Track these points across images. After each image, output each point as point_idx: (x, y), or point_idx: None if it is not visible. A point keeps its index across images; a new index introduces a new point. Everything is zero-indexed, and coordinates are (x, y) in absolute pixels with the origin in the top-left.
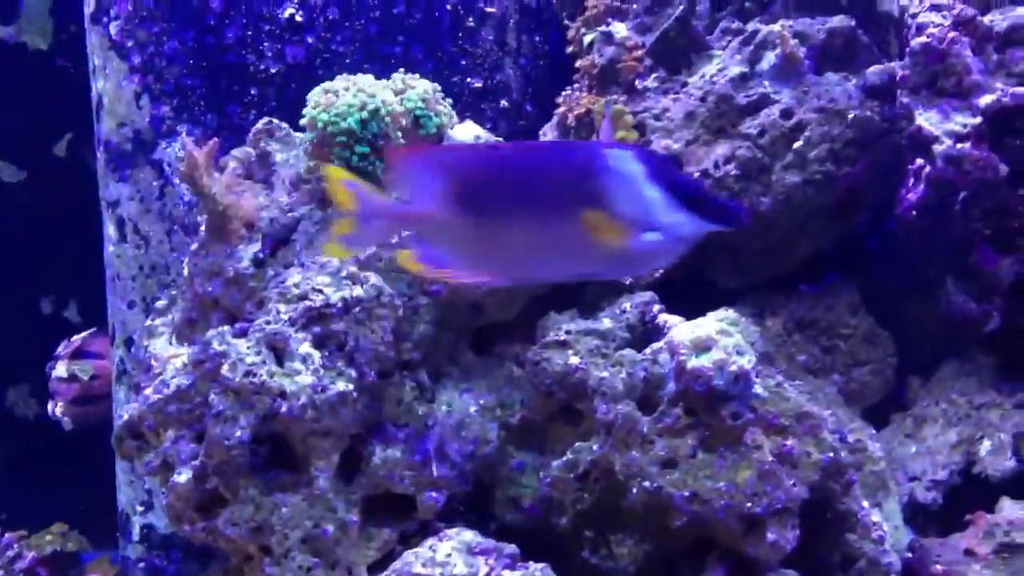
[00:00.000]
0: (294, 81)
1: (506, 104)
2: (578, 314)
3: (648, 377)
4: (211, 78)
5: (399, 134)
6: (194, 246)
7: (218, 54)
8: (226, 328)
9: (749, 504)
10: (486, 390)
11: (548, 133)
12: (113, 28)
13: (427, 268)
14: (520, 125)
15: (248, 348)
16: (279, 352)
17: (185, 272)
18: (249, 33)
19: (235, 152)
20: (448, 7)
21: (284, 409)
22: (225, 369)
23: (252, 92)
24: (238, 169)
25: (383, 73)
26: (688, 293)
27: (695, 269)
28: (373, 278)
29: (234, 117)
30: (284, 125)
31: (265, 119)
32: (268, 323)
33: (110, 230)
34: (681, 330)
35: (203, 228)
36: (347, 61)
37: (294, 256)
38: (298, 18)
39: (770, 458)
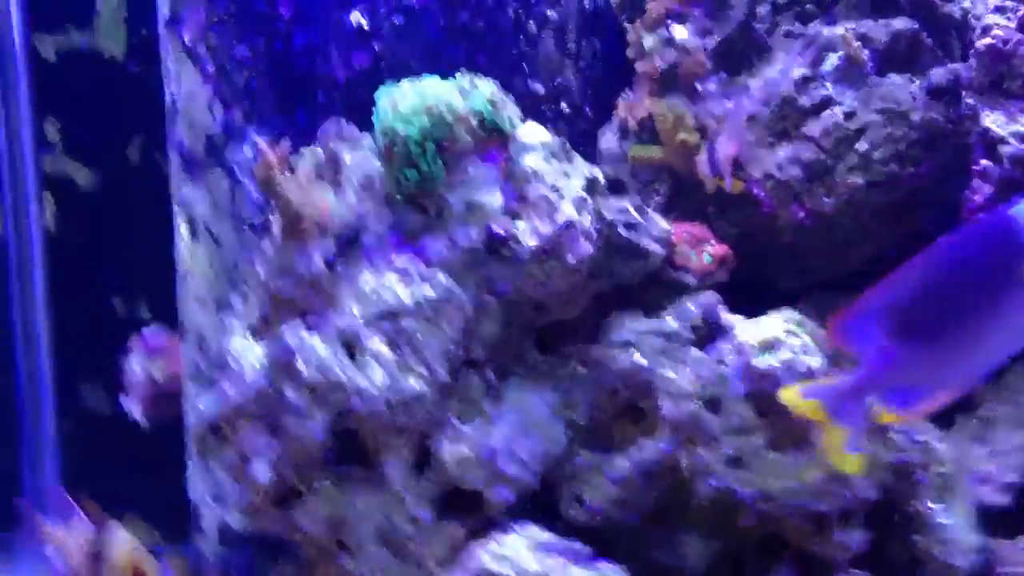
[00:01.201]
0: (360, 86)
1: (566, 107)
2: (642, 314)
3: (714, 376)
4: (280, 83)
5: (467, 136)
6: (267, 245)
7: (287, 60)
8: (300, 326)
9: (818, 503)
10: (551, 389)
11: (608, 135)
12: (187, 35)
13: (905, 412)
14: (580, 128)
15: (323, 346)
16: (352, 350)
17: (257, 271)
18: (317, 40)
19: (305, 153)
20: (510, 13)
21: (358, 406)
22: (301, 366)
23: (320, 97)
24: (309, 170)
25: (447, 78)
26: (748, 293)
27: (755, 269)
28: (443, 278)
29: (302, 121)
30: (353, 128)
31: (334, 120)
32: (342, 321)
33: (182, 230)
34: (747, 329)
35: (276, 228)
36: (412, 67)
37: (364, 256)
38: (364, 25)
39: None
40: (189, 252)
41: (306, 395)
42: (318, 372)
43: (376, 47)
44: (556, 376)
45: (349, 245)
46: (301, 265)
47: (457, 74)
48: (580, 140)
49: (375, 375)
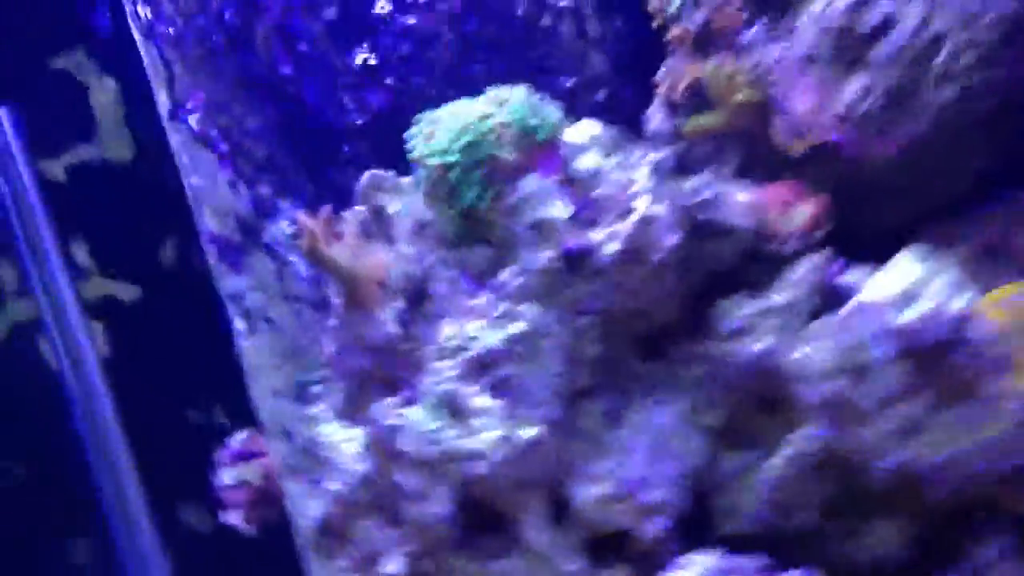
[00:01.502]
0: (383, 126)
1: (601, 97)
2: (748, 296)
3: (851, 344)
4: (300, 145)
5: (512, 151)
6: (331, 320)
7: (301, 119)
8: (391, 399)
9: (1010, 459)
10: (673, 398)
11: (654, 116)
12: (193, 121)
13: None
14: (623, 116)
15: (422, 414)
16: (454, 411)
17: (328, 349)
18: (327, 90)
19: (347, 215)
20: (520, 12)
21: (477, 471)
22: (405, 443)
23: (345, 149)
24: (356, 231)
25: (472, 95)
26: (855, 245)
27: (854, 219)
28: (527, 310)
29: (333, 179)
30: (389, 174)
31: (368, 173)
32: (434, 384)
33: (238, 324)
34: (875, 283)
35: (336, 300)
36: (431, 93)
37: (437, 307)
38: (372, 62)
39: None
40: (252, 345)
41: (419, 473)
42: (425, 445)
43: (390, 81)
44: (673, 384)
45: (418, 300)
46: (373, 333)
47: (486, 90)
48: (625, 128)
49: (486, 433)
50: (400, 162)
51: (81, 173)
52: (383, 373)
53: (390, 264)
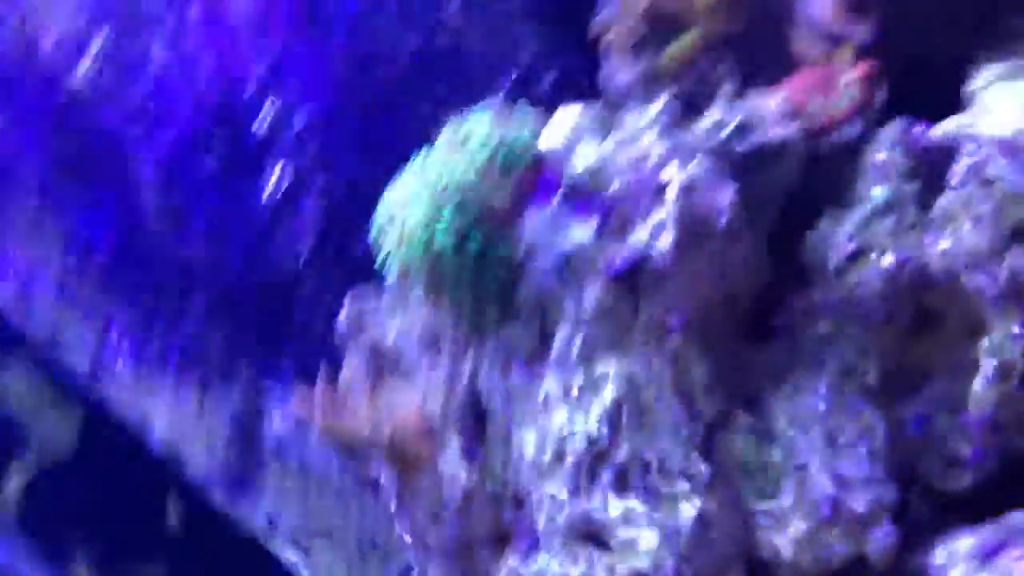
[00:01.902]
0: (330, 257)
1: (553, 77)
2: (837, 209)
3: (1001, 202)
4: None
5: (500, 192)
6: (393, 507)
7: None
8: (510, 559)
9: None
10: (814, 372)
11: (617, 68)
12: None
13: None
14: (585, 85)
15: (555, 561)
16: (589, 534)
17: (405, 536)
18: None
19: (344, 371)
20: (419, 32)
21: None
22: None
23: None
24: (360, 385)
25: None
26: (913, 95)
27: (919, 52)
28: (606, 366)
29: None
30: (365, 294)
31: (346, 309)
32: (550, 514)
33: (290, 555)
34: (985, 125)
35: (385, 476)
36: (363, 176)
37: (501, 416)
38: (284, 184)
39: None
40: (318, 571)
41: None
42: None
43: (322, 203)
44: (805, 356)
45: (477, 424)
46: (446, 491)
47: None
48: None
49: (644, 541)
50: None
51: None
52: (483, 530)
53: (422, 399)
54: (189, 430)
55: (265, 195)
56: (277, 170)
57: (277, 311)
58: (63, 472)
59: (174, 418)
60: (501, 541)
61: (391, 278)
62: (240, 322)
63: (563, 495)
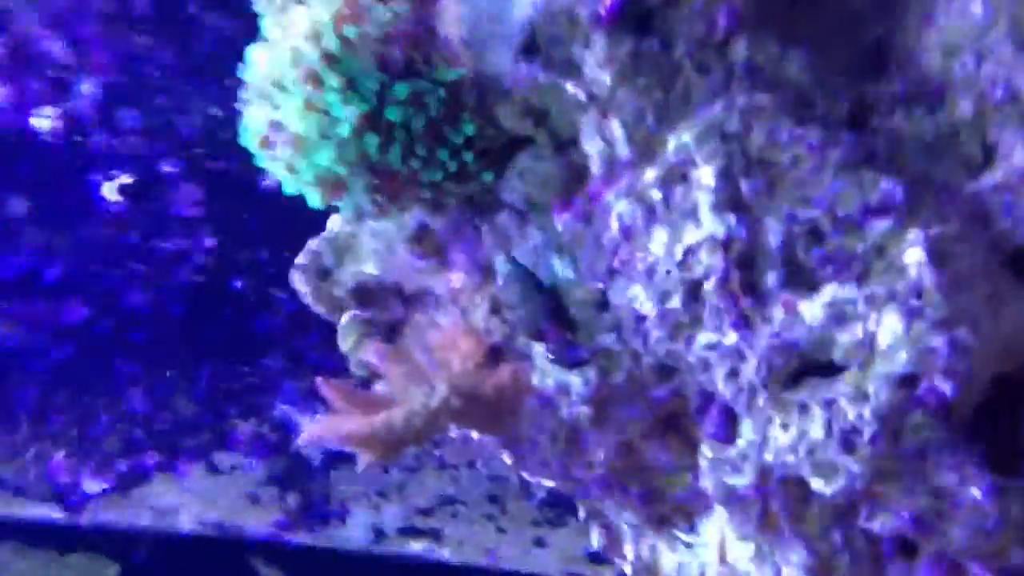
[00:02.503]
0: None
1: None
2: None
3: None
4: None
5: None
6: (509, 460)
7: None
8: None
9: None
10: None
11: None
12: None
13: None
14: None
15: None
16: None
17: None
18: None
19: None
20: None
21: None
22: None
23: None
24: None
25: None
26: None
27: None
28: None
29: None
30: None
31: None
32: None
33: None
34: None
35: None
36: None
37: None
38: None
39: None
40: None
41: None
42: None
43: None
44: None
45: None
46: (566, 417)
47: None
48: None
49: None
50: None
51: None
52: (638, 425)
53: (483, 320)
54: None
55: None
56: None
57: None
58: None
59: None
60: (669, 428)
61: (315, 200)
62: None
63: (731, 338)
